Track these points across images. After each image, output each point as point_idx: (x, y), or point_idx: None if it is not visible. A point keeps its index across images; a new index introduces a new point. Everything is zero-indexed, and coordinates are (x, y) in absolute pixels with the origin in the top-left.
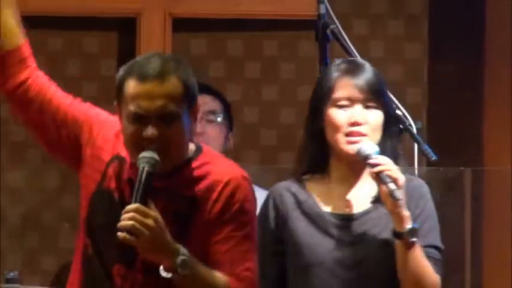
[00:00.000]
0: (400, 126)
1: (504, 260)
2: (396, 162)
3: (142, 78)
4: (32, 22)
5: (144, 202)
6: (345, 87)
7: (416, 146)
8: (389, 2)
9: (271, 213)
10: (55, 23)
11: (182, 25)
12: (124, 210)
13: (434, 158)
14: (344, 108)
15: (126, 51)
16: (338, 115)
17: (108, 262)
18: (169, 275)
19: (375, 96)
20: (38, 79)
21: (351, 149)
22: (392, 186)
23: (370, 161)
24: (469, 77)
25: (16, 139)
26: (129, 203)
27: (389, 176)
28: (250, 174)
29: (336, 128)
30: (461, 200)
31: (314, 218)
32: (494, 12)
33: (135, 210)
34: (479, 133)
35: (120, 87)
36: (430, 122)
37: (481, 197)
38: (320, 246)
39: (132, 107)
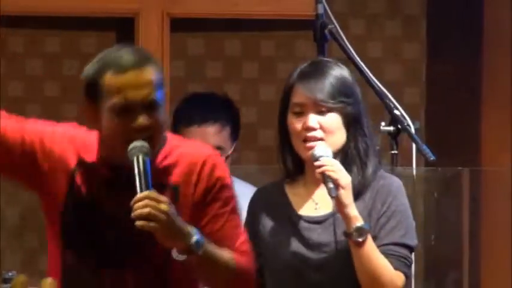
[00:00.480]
0: (398, 126)
1: (502, 260)
2: (360, 159)
3: (121, 69)
4: (29, 22)
5: (149, 189)
6: (299, 94)
7: (414, 146)
8: (386, 2)
9: (250, 213)
10: (52, 23)
11: (180, 25)
12: (135, 199)
13: (432, 158)
14: (299, 115)
15: None
16: (294, 122)
17: (96, 267)
18: (184, 257)
19: (327, 99)
20: None
21: (307, 154)
22: (330, 185)
23: (316, 163)
24: (467, 77)
25: None
26: (103, 210)
27: (330, 177)
28: (248, 174)
29: (295, 135)
30: (459, 200)
31: (283, 221)
32: (492, 12)
33: (147, 197)
34: (478, 133)
35: (94, 84)
36: (428, 122)
37: (479, 197)
38: (286, 248)
39: (117, 99)
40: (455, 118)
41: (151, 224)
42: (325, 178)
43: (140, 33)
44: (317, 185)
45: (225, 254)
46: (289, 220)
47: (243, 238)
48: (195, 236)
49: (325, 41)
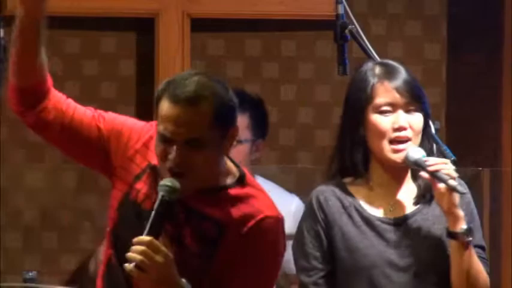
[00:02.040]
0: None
1: None
2: None
3: (174, 100)
4: (49, 22)
5: (157, 233)
6: (386, 93)
7: (435, 146)
8: (407, 2)
9: (319, 215)
10: (73, 23)
11: (200, 25)
12: (135, 241)
13: (452, 158)
14: (386, 114)
15: (144, 52)
16: (381, 121)
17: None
18: None
19: (415, 99)
20: (53, 101)
21: (398, 157)
22: (453, 182)
23: (425, 164)
24: (487, 77)
25: (34, 139)
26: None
27: (449, 175)
28: (269, 174)
29: (380, 135)
30: (480, 200)
31: (362, 222)
32: None
33: (147, 245)
34: (498, 133)
35: (157, 101)
36: (449, 122)
37: (500, 198)
38: (372, 249)
39: (160, 128)
40: (475, 118)
41: (138, 272)
42: (440, 177)
43: (160, 33)
44: (386, 186)
45: None
46: (368, 222)
47: None
48: None
49: (345, 41)
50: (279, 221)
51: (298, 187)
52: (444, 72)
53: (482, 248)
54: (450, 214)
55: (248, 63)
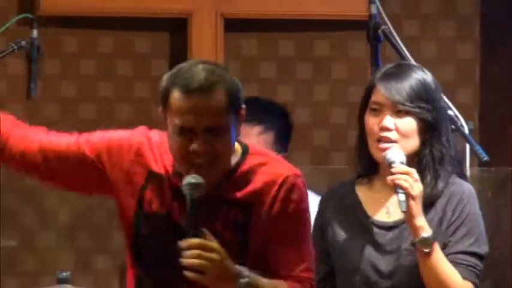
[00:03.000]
0: (452, 126)
1: None
2: (434, 167)
3: (187, 91)
4: (83, 22)
5: (199, 231)
6: (378, 93)
7: (468, 146)
8: (440, 2)
9: (321, 214)
10: (106, 23)
11: (233, 25)
12: (186, 245)
13: (485, 158)
14: (375, 114)
15: (178, 52)
16: (370, 120)
17: (167, 274)
18: None
19: (405, 102)
20: (17, 147)
21: (380, 156)
22: (401, 197)
23: (392, 170)
24: None
25: None
26: (179, 223)
27: (401, 186)
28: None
29: (369, 133)
30: None
31: (355, 224)
32: None
33: (199, 246)
34: None
35: (165, 96)
36: (482, 122)
37: None
38: (359, 253)
39: (178, 121)
40: (508, 118)
41: (201, 276)
42: (395, 188)
43: (193, 33)
44: (390, 189)
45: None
46: (361, 224)
47: (305, 265)
48: (243, 279)
49: (378, 41)
50: (298, 176)
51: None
52: (477, 72)
53: (471, 254)
54: (408, 223)
55: (281, 63)
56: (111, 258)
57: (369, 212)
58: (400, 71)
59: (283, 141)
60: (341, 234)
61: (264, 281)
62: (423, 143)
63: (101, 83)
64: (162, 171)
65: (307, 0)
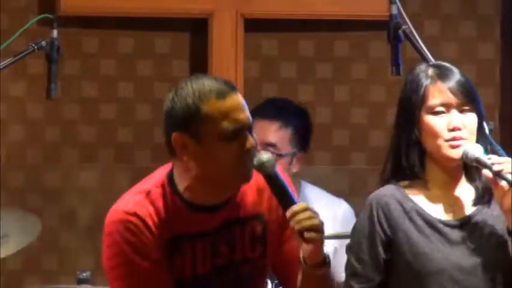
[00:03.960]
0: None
1: None
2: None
3: (221, 94)
4: (103, 23)
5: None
6: (439, 93)
7: (488, 146)
8: (461, 2)
9: (381, 221)
10: (126, 23)
11: (254, 25)
12: (295, 211)
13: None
14: (440, 115)
15: (198, 52)
16: (436, 122)
17: None
18: (317, 270)
19: (468, 99)
20: None
21: (455, 152)
22: (509, 177)
23: (489, 162)
24: None
25: (87, 139)
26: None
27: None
28: (322, 174)
29: (436, 135)
30: None
31: (425, 226)
32: None
33: (308, 209)
34: None
35: (193, 113)
36: (503, 123)
37: None
38: (438, 253)
39: (228, 124)
40: None
41: (319, 235)
42: (502, 176)
43: (214, 33)
44: (443, 187)
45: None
46: (431, 225)
47: None
48: (325, 251)
49: (399, 41)
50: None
51: (351, 188)
52: (498, 73)
53: None
54: (506, 212)
55: (301, 63)
56: None
57: (433, 212)
58: (448, 70)
59: (301, 139)
60: (415, 237)
61: None
62: (477, 138)
63: (121, 83)
64: (174, 230)
65: (327, 0)
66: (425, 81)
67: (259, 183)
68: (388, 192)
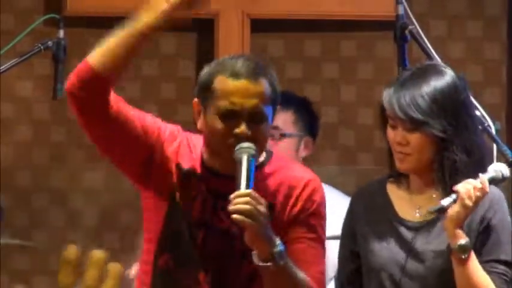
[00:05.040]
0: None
1: None
2: (444, 180)
3: (235, 75)
4: (109, 23)
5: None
6: (390, 104)
7: (494, 146)
8: (467, 2)
9: (351, 212)
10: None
11: (260, 26)
12: (236, 194)
13: None
14: (393, 127)
15: (204, 52)
16: (388, 133)
17: (195, 272)
18: (265, 264)
19: (415, 118)
20: (115, 98)
21: (400, 167)
22: (450, 198)
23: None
24: None
25: None
26: (204, 219)
27: (458, 191)
28: (328, 174)
29: (391, 145)
30: None
31: (384, 223)
32: None
33: (250, 195)
34: None
35: (207, 83)
36: (509, 123)
37: None
38: (385, 251)
39: (224, 103)
40: None
41: (248, 220)
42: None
43: (220, 34)
44: (420, 190)
45: (301, 274)
46: (390, 223)
47: (321, 268)
48: (280, 246)
49: (405, 41)
50: (317, 179)
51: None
52: (504, 73)
53: (502, 262)
54: (447, 229)
55: (308, 63)
56: (138, 258)
57: (399, 211)
58: (412, 82)
59: (305, 124)
60: (370, 233)
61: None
62: (437, 151)
63: (127, 83)
64: (192, 169)
65: (333, 0)
66: (391, 87)
67: (298, 180)
68: (368, 186)
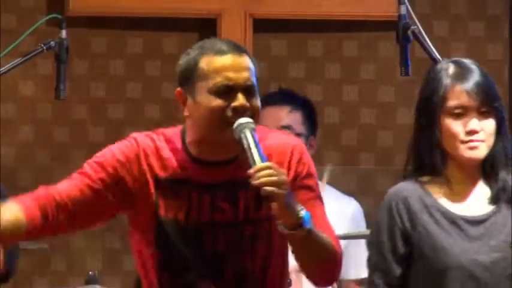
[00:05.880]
0: None
1: None
2: (506, 163)
3: (221, 52)
4: (112, 23)
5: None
6: (458, 95)
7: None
8: (469, 2)
9: (401, 214)
10: (135, 24)
11: (262, 26)
12: (257, 168)
13: None
14: (459, 117)
15: None
16: (453, 125)
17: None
18: (294, 232)
19: (487, 102)
20: (60, 203)
21: (473, 154)
22: None
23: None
24: None
25: (95, 140)
26: (199, 222)
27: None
28: (331, 174)
29: (453, 137)
30: None
31: (444, 221)
32: None
33: (271, 167)
34: None
35: (192, 68)
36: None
37: None
38: (457, 248)
39: (219, 79)
40: None
41: (279, 191)
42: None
43: (223, 34)
44: (462, 185)
45: (326, 236)
46: (450, 221)
47: (330, 226)
48: (304, 211)
49: (408, 42)
50: (301, 142)
51: (360, 188)
52: (507, 73)
53: None
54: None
55: (310, 63)
56: None
57: (453, 208)
58: (468, 70)
59: (310, 124)
60: (435, 232)
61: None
62: (496, 141)
63: (129, 83)
64: (171, 173)
65: (336, 1)
66: (445, 81)
67: (285, 146)
68: (408, 187)
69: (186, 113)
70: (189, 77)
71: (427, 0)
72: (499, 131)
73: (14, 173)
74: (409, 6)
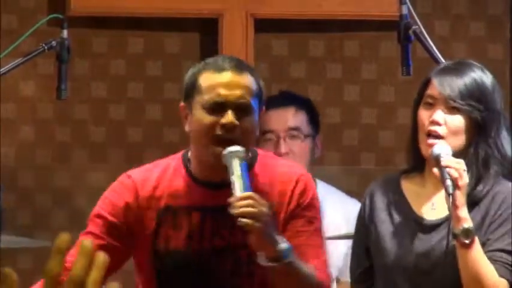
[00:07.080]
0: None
1: None
2: (477, 169)
3: (219, 69)
4: (113, 23)
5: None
6: (433, 86)
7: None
8: (470, 2)
9: (365, 210)
10: (136, 24)
11: (264, 26)
12: (237, 197)
13: None
14: (428, 107)
15: (208, 52)
16: (422, 113)
17: None
18: (273, 264)
19: (457, 99)
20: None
21: (428, 150)
22: (448, 182)
23: (442, 159)
24: None
25: (97, 140)
26: (201, 249)
27: (450, 174)
28: (332, 175)
29: (420, 126)
30: None
31: (399, 221)
32: None
33: (251, 197)
34: None
35: (192, 83)
36: None
37: None
38: (398, 250)
39: (210, 96)
40: None
41: (255, 223)
42: (443, 175)
43: (224, 34)
44: (436, 186)
45: (308, 268)
46: (406, 220)
47: (323, 258)
48: (284, 244)
49: (409, 41)
50: (307, 173)
51: (361, 188)
52: (508, 73)
53: (508, 252)
54: (452, 214)
55: (311, 64)
56: None
57: (415, 208)
58: (458, 68)
59: (314, 124)
60: (385, 231)
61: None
62: (469, 142)
63: (130, 83)
64: (172, 200)
65: (337, 1)
66: (431, 74)
67: (290, 176)
68: (382, 181)
69: (187, 128)
70: (190, 92)
71: (428, 0)
72: (474, 134)
73: (14, 173)
74: (410, 6)
